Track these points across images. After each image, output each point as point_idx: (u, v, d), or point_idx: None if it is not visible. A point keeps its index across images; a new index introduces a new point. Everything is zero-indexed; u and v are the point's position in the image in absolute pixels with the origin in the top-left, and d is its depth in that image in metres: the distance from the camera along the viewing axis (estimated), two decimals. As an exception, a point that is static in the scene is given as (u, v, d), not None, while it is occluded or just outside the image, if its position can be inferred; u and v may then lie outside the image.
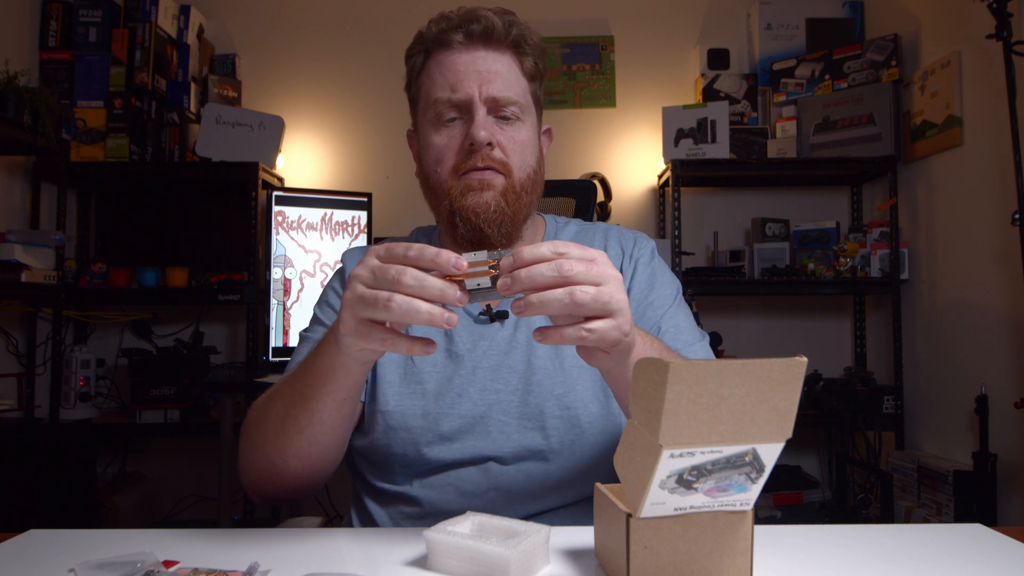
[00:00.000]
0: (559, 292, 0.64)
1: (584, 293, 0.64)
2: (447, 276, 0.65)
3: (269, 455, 0.85)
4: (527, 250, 0.65)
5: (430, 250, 0.65)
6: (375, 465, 0.96)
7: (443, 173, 0.93)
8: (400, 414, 0.93)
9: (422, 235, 1.09)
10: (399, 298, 0.64)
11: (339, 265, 1.08)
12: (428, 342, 0.69)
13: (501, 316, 0.97)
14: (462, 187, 0.91)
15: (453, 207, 0.92)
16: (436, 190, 0.95)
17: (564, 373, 0.94)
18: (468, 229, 0.91)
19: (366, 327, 0.68)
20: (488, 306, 0.98)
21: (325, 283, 1.28)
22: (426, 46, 0.95)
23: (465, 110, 0.92)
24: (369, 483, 0.97)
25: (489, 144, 0.91)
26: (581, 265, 0.65)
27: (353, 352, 0.72)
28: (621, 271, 1.00)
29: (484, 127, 0.90)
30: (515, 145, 0.93)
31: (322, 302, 1.05)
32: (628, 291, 0.99)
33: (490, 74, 0.92)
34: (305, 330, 1.04)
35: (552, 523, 0.76)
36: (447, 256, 0.64)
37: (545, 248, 0.65)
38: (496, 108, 0.92)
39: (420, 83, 0.97)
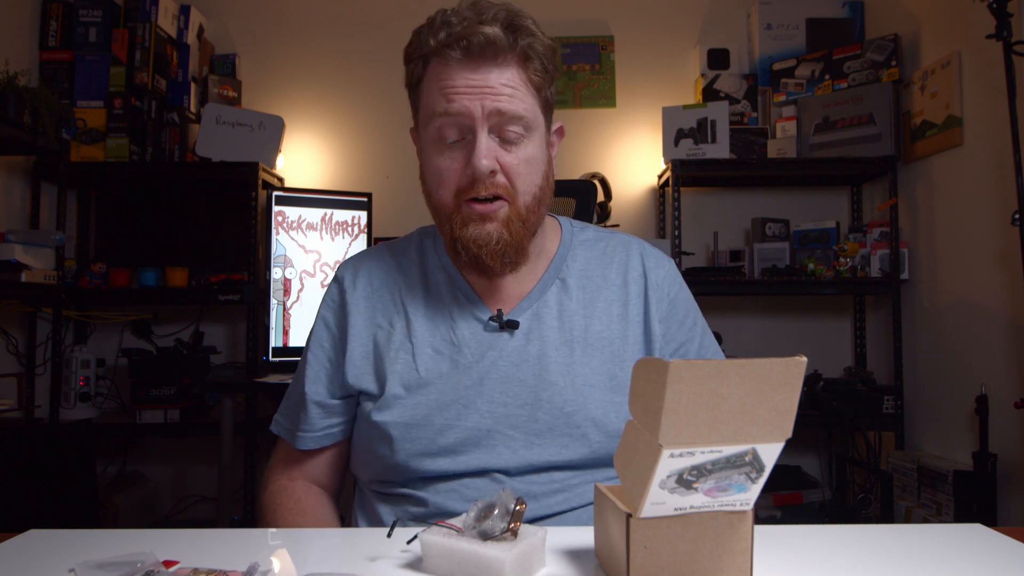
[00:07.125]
0: None
1: None
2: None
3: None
4: None
5: None
6: (379, 472, 0.94)
7: (445, 196, 0.91)
8: (404, 425, 0.90)
9: (427, 236, 1.05)
10: None
11: (336, 274, 1.05)
12: None
13: (512, 325, 0.94)
14: (463, 217, 0.90)
15: (455, 235, 0.90)
16: (437, 210, 0.93)
17: (575, 391, 0.91)
18: (470, 258, 0.91)
19: None
20: (499, 311, 0.95)
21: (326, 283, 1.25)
22: (424, 53, 0.90)
23: (467, 130, 0.88)
24: (374, 486, 0.96)
25: (492, 171, 0.88)
26: None
27: None
28: (645, 294, 1.00)
29: (486, 155, 0.87)
30: (520, 166, 0.89)
31: (318, 319, 1.03)
32: (649, 313, 0.99)
33: (492, 89, 0.87)
34: (307, 348, 1.03)
35: (558, 524, 0.75)
36: None
37: None
38: (500, 125, 0.88)
39: (420, 92, 0.93)
